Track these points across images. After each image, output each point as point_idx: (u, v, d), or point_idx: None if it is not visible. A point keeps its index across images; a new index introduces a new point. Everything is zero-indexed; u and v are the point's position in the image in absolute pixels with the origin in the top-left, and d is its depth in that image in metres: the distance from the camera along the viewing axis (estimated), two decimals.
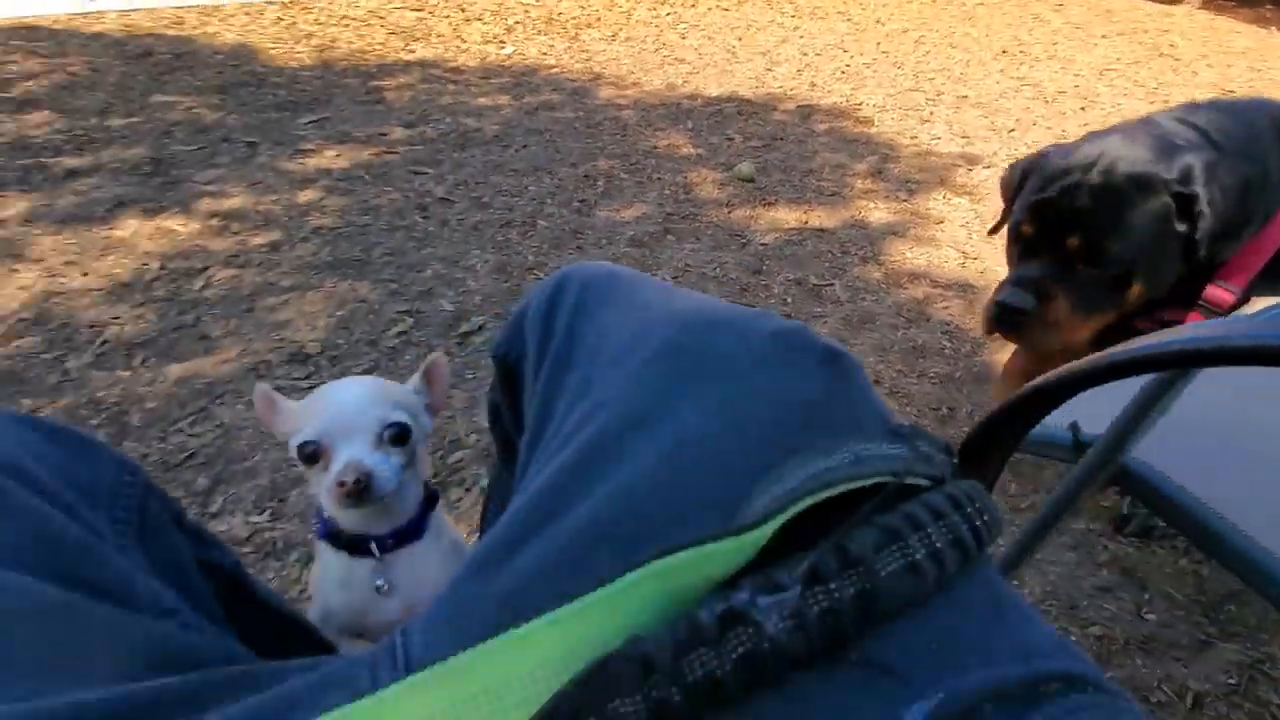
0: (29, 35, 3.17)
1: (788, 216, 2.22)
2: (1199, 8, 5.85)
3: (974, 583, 0.24)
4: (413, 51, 3.63)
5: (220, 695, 0.24)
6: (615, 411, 0.33)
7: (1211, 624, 1.06)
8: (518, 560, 0.27)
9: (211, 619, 0.38)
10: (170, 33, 3.47)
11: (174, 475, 1.16)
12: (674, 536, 0.22)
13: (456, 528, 1.09)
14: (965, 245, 2.11)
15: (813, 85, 3.60)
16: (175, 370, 1.38)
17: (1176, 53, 4.62)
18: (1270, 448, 0.63)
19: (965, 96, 3.54)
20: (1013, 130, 3.10)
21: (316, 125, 2.60)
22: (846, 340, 1.60)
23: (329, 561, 0.67)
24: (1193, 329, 0.36)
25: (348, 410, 0.58)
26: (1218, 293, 0.99)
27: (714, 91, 3.39)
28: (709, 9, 5.24)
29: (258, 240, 1.84)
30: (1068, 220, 0.97)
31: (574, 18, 4.59)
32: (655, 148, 2.67)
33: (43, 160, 2.09)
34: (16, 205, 1.87)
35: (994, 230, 1.21)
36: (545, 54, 3.82)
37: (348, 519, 0.63)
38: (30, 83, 2.67)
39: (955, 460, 0.30)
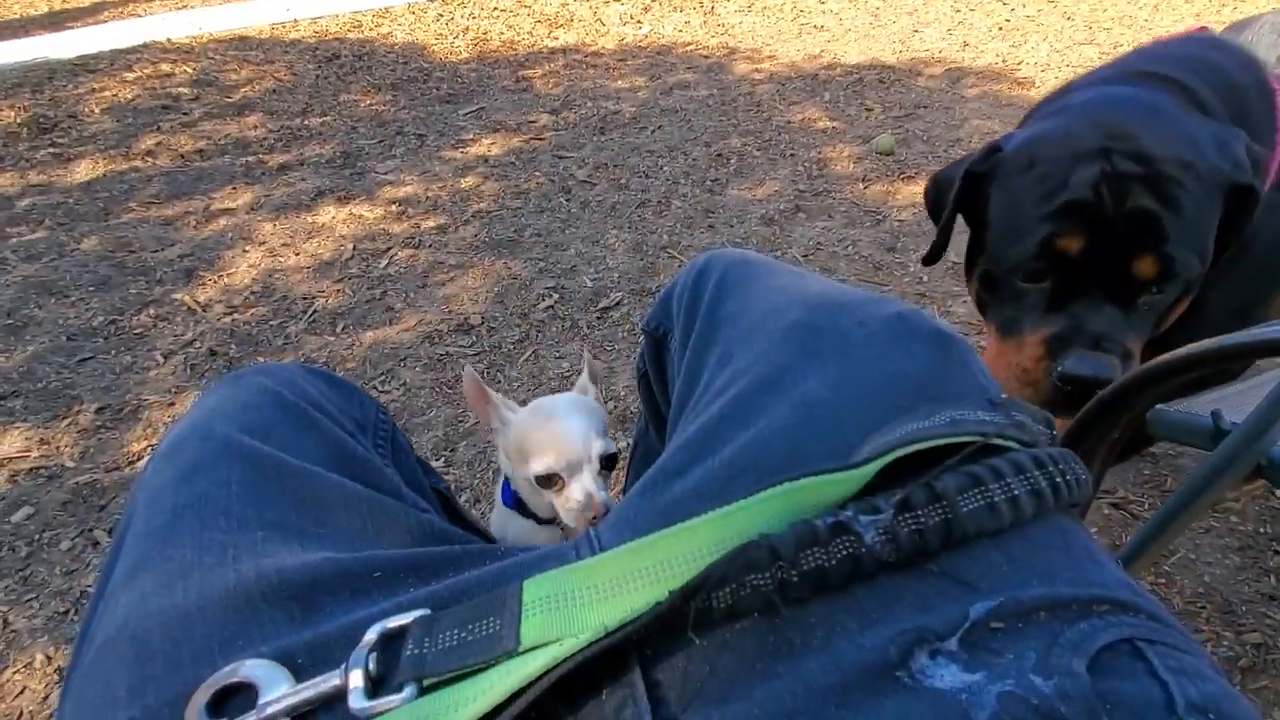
0: (241, 45, 3.70)
1: None
2: None
3: (1050, 527, 0.29)
4: (556, 38, 3.82)
5: (475, 561, 0.35)
6: (755, 374, 0.40)
7: None
8: (676, 485, 0.35)
9: None
10: (351, 35, 3.89)
11: None
12: (798, 470, 0.30)
13: None
14: None
15: (964, 45, 3.36)
16: (368, 336, 1.63)
17: None
18: None
19: None
20: None
21: (474, 116, 2.85)
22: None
23: (512, 525, 0.80)
24: None
25: (578, 446, 0.70)
26: None
27: (854, 59, 3.26)
28: None
29: (429, 224, 2.08)
30: (1122, 230, 0.68)
31: None
32: (789, 122, 2.64)
33: (261, 157, 2.48)
34: (243, 196, 2.25)
35: (931, 258, 0.90)
36: (681, 31, 3.86)
37: (548, 511, 0.75)
38: (246, 89, 3.14)
39: (1053, 431, 0.35)
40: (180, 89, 3.05)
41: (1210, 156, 0.69)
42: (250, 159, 2.48)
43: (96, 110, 2.82)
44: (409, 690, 0.26)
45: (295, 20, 4.15)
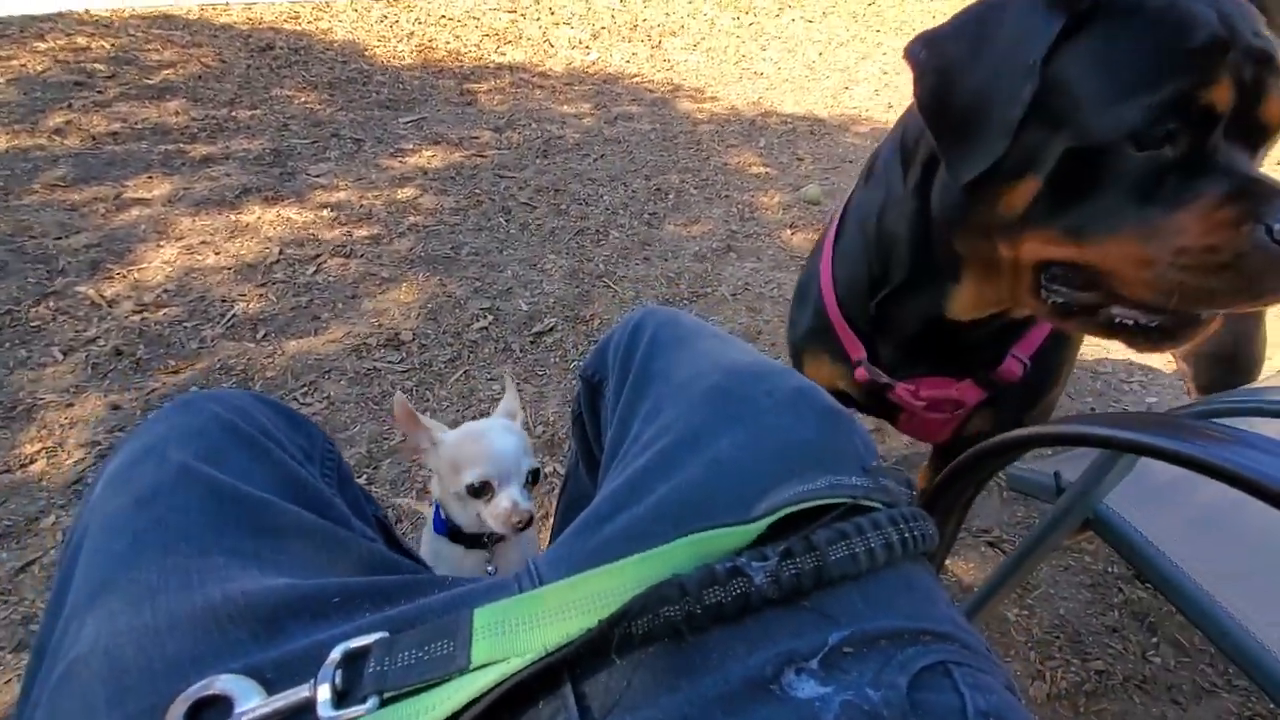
0: (166, 24, 3.52)
1: None
2: None
3: (899, 573, 0.36)
4: (504, 54, 3.84)
5: (426, 589, 0.39)
6: (676, 432, 0.47)
7: (1216, 674, 1.11)
8: (606, 529, 0.41)
9: None
10: (288, 27, 3.77)
11: None
12: (707, 521, 0.37)
13: None
14: None
15: (889, 106, 3.63)
16: (291, 345, 1.59)
17: None
18: (1238, 513, 0.71)
19: None
20: None
21: (415, 125, 2.83)
22: None
23: (444, 552, 0.84)
24: (1093, 418, 0.45)
25: (508, 459, 0.77)
26: None
27: (789, 109, 3.46)
28: (792, 20, 5.27)
29: (362, 232, 2.05)
30: (1250, 73, 0.52)
31: (658, 24, 4.72)
32: (726, 164, 2.78)
33: (182, 147, 2.37)
34: (160, 187, 2.14)
35: (976, 167, 0.58)
36: (628, 61, 3.96)
37: (477, 525, 0.80)
38: (168, 71, 2.99)
39: (913, 491, 0.43)
40: (96, 65, 2.87)
41: None
42: (169, 147, 2.36)
43: (1, 80, 2.61)
44: (372, 701, 0.30)
45: (227, 4, 3.99)
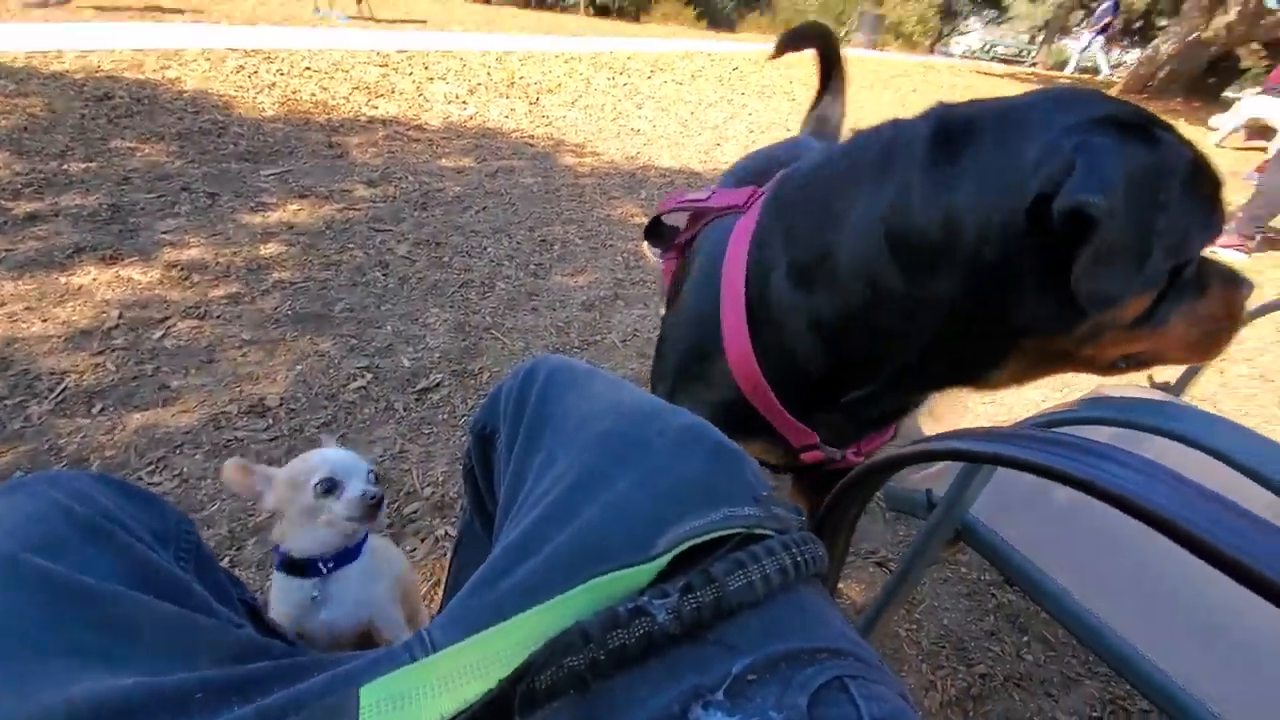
0: None
1: None
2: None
3: (793, 595, 0.37)
4: (376, 108, 3.77)
5: (302, 673, 0.35)
6: (571, 478, 0.46)
7: (1080, 664, 1.22)
8: (503, 584, 0.39)
9: None
10: (129, 76, 3.50)
11: None
12: (607, 564, 0.36)
13: (413, 571, 1.17)
14: None
15: None
16: (135, 419, 1.41)
17: None
18: (1085, 514, 0.80)
19: None
20: None
21: (278, 178, 2.68)
22: None
23: (280, 584, 0.83)
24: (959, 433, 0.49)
25: (345, 458, 0.83)
26: None
27: (666, 163, 3.63)
28: (664, 82, 5.58)
29: (218, 292, 1.89)
30: None
31: (535, 82, 4.83)
32: (610, 215, 2.85)
33: (3, 203, 2.10)
34: None
35: None
36: (507, 117, 4.01)
37: (313, 543, 0.80)
38: None
39: (802, 517, 0.44)
40: None
41: None
42: None
43: None
44: None
45: (59, 51, 3.65)
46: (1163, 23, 14.39)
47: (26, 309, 1.68)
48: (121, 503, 0.47)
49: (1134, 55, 15.62)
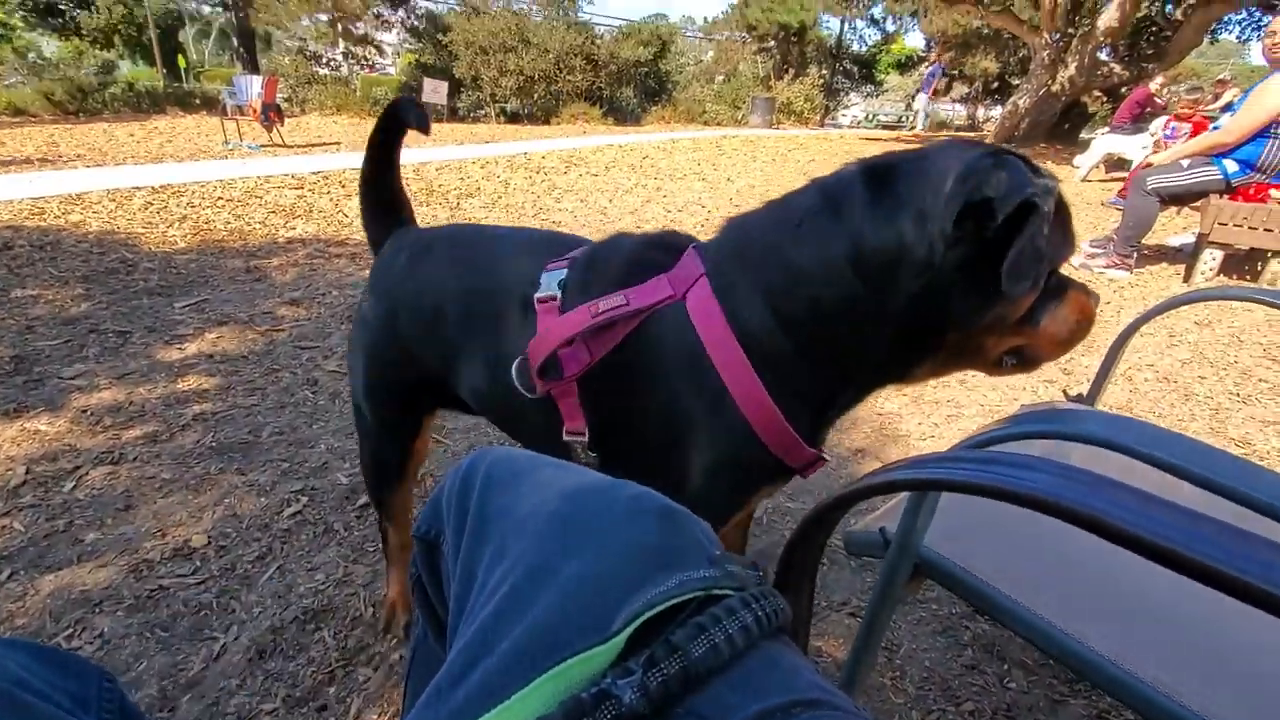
0: None
1: None
2: None
3: (760, 653, 0.36)
4: (294, 228, 3.76)
5: None
6: (522, 569, 0.44)
7: (1062, 683, 1.22)
8: (459, 690, 0.37)
9: None
10: (31, 223, 3.40)
11: None
12: (566, 651, 0.35)
13: (366, 710, 1.07)
14: None
15: None
16: (48, 581, 1.28)
17: None
18: (1031, 529, 0.82)
19: None
20: None
21: (194, 308, 2.61)
22: None
23: None
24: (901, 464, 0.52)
25: None
26: None
27: None
28: (579, 175, 5.83)
29: (133, 433, 1.79)
30: None
31: (454, 189, 4.96)
32: None
33: None
34: None
35: None
36: (429, 224, 4.08)
37: None
38: None
39: (759, 572, 0.44)
40: None
41: None
42: None
43: None
44: None
45: None
46: (1016, 81, 16.83)
47: None
48: (34, 666, 0.43)
49: (997, 111, 17.94)
